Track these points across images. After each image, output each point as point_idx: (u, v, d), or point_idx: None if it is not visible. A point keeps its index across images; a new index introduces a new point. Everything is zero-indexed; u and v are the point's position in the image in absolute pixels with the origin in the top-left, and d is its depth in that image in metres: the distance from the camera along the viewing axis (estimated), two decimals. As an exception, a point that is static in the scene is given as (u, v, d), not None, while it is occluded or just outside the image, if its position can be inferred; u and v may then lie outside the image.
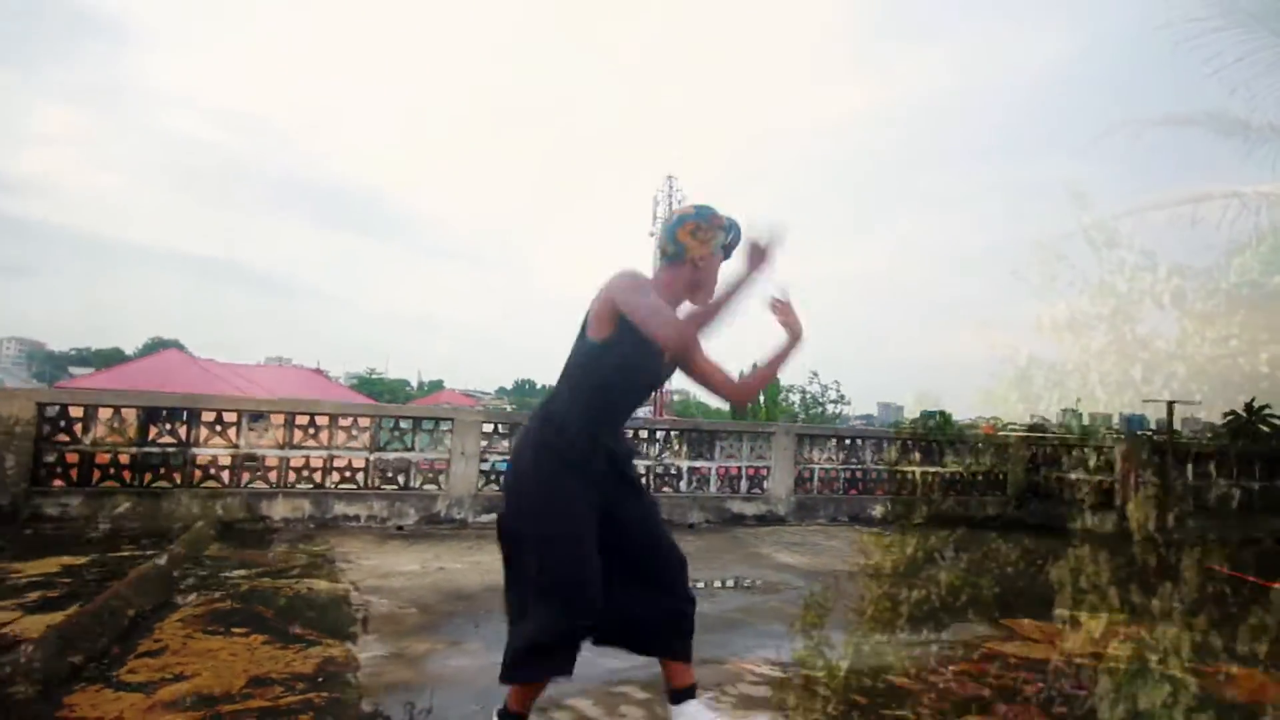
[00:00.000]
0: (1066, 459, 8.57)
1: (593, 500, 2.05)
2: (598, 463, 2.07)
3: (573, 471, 2.02)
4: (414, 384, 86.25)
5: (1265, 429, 12.36)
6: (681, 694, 2.15)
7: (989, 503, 8.75)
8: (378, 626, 3.44)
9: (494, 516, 6.61)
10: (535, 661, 1.98)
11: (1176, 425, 9.52)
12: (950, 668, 3.16)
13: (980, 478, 8.88)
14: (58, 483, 5.57)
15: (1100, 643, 3.66)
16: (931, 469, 8.64)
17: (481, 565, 4.90)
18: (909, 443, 8.62)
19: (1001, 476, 8.98)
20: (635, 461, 7.25)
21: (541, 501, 2.02)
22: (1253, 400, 12.07)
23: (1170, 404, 8.54)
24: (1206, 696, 2.92)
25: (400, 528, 6.31)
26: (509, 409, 26.39)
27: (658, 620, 2.14)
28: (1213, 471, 8.33)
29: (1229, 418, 12.52)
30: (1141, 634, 3.79)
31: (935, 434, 8.88)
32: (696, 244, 2.09)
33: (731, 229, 2.16)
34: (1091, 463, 8.23)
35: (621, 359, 2.04)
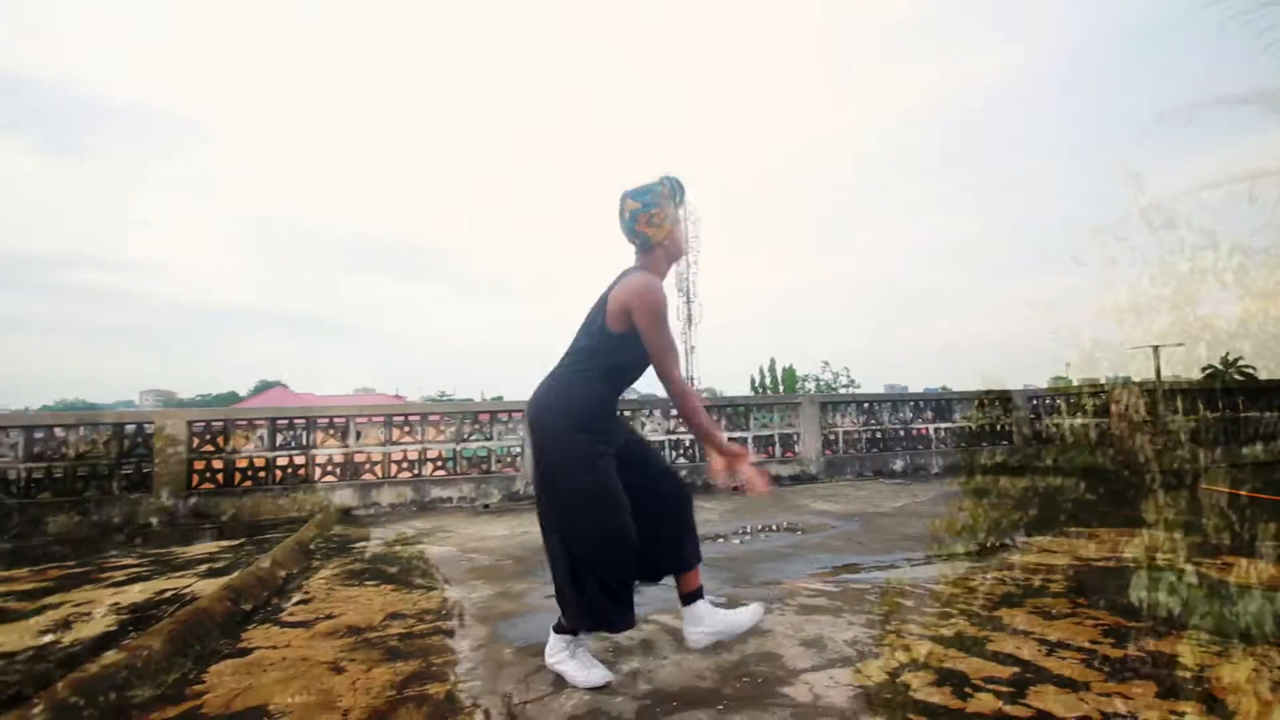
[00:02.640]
0: (1065, 407, 8.33)
1: (613, 467, 2.02)
2: (617, 435, 2.09)
3: (606, 451, 2.00)
4: (478, 400, 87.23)
5: (1239, 377, 11.83)
6: (692, 596, 2.12)
7: (998, 451, 8.55)
8: (483, 574, 3.53)
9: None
10: (608, 608, 1.96)
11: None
12: (979, 575, 3.12)
13: (988, 429, 8.69)
14: (207, 485, 5.84)
15: (1111, 548, 3.58)
16: (944, 425, 8.49)
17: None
18: (921, 403, 8.48)
19: (1006, 428, 8.77)
20: (674, 434, 7.24)
21: (588, 483, 1.94)
22: (1227, 354, 11.58)
23: (1155, 349, 8.24)
24: (1211, 581, 2.84)
25: (486, 506, 6.44)
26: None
27: (669, 541, 2.10)
28: (1199, 405, 8.00)
29: (1206, 370, 12.02)
30: (1147, 539, 3.69)
31: (946, 393, 8.69)
32: (656, 230, 2.03)
33: (675, 190, 2.07)
34: (1089, 407, 7.99)
35: (638, 352, 2.02)
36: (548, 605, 2.91)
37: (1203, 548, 3.47)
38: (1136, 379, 7.61)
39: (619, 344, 2.01)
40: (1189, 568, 3.05)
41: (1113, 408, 7.60)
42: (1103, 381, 7.83)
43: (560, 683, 1.98)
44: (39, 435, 5.60)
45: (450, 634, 2.49)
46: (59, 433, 5.65)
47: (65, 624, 2.64)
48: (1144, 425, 7.35)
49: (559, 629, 2.05)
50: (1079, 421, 8.13)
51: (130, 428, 5.80)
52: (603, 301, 2.05)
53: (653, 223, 2.03)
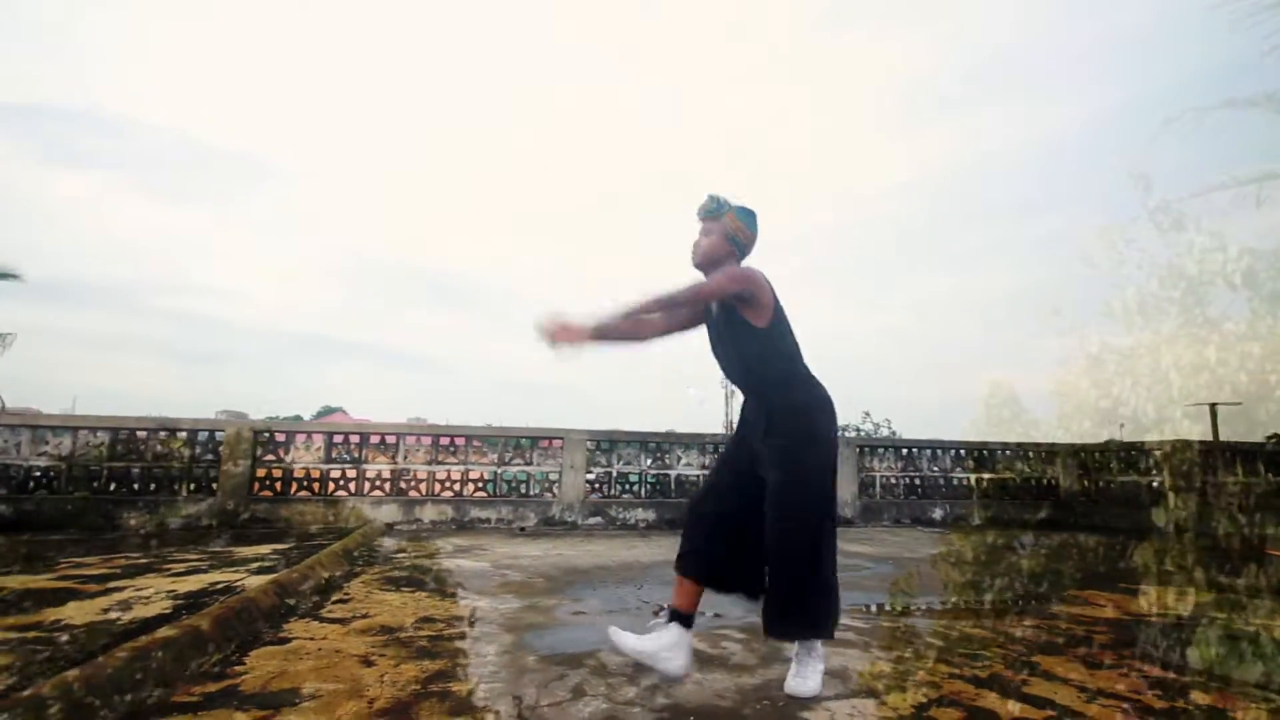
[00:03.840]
0: (1116, 463, 7.85)
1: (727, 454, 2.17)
2: (742, 427, 2.16)
3: (732, 436, 2.20)
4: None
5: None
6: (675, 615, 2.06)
7: (1044, 506, 8.09)
8: (514, 589, 3.53)
9: (599, 519, 6.69)
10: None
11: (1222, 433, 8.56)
12: (1019, 622, 2.94)
13: (1033, 483, 8.25)
14: (265, 493, 6.05)
15: (1164, 605, 3.32)
16: (986, 475, 8.11)
17: (592, 552, 4.94)
18: (962, 451, 8.14)
19: (1053, 482, 8.31)
20: (708, 468, 7.14)
21: None
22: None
23: (1213, 406, 7.72)
24: (1273, 641, 2.59)
25: (523, 529, 6.45)
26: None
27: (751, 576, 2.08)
28: (1261, 469, 7.41)
29: (1271, 438, 11.14)
30: (1200, 598, 3.41)
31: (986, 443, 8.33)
32: (739, 228, 2.13)
33: (712, 212, 2.15)
34: (1141, 465, 7.50)
35: (788, 332, 2.08)
36: (574, 620, 2.88)
37: (1265, 609, 3.18)
38: (1193, 438, 7.13)
39: (773, 331, 2.06)
40: (1248, 626, 2.80)
41: (1167, 466, 7.13)
42: (1157, 439, 7.37)
43: (580, 690, 1.95)
44: (122, 436, 5.94)
45: (477, 639, 2.48)
46: (140, 435, 5.99)
47: (126, 605, 2.75)
48: (1202, 485, 6.85)
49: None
50: (1131, 479, 7.64)
51: (202, 435, 6.10)
52: (729, 313, 2.09)
53: (738, 222, 2.15)
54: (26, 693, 1.52)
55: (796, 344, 2.11)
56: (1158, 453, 7.29)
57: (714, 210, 2.15)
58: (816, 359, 2.16)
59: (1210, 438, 7.80)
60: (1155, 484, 7.33)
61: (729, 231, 2.13)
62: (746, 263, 2.17)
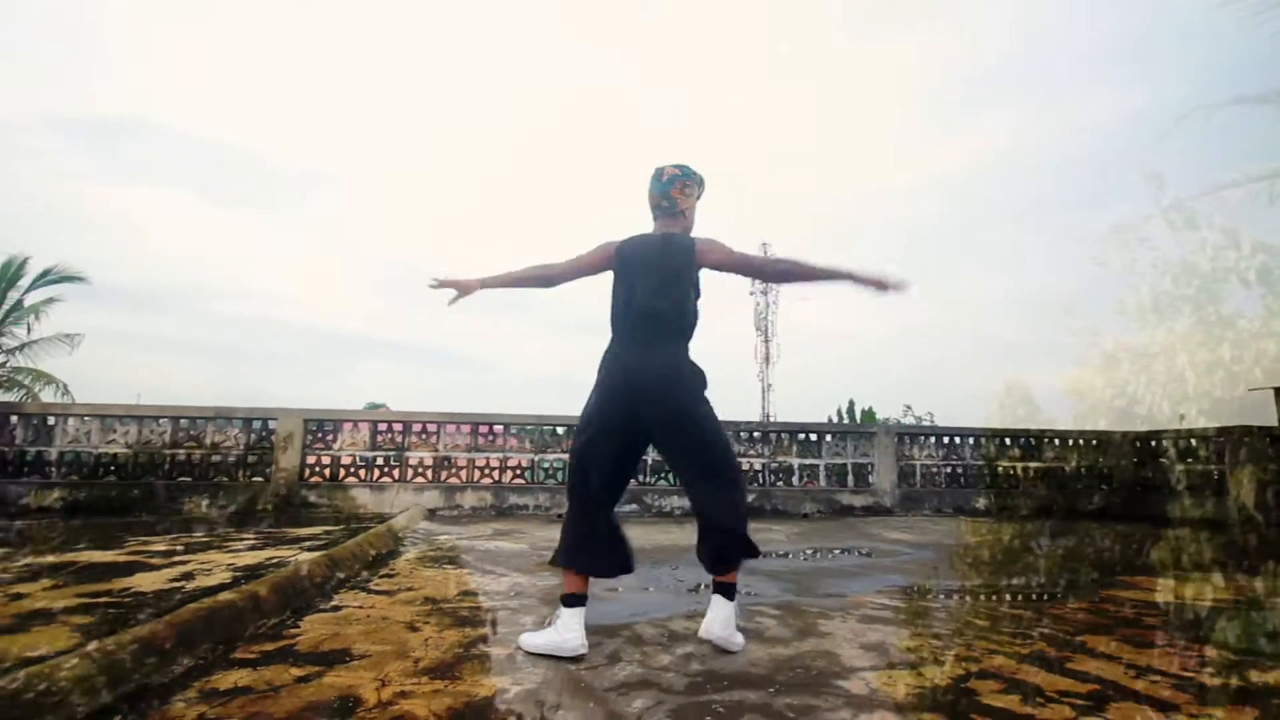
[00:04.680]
0: (1173, 450, 7.49)
1: None
2: None
3: None
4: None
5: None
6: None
7: (1095, 494, 7.79)
8: (551, 568, 3.60)
9: (634, 506, 6.74)
10: None
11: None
12: (1066, 604, 2.85)
13: (1084, 471, 7.95)
14: (315, 479, 6.30)
15: (1220, 591, 3.17)
16: (1033, 464, 7.86)
17: (630, 537, 4.99)
18: (1008, 439, 7.90)
19: (1106, 470, 7.99)
20: (751, 456, 7.10)
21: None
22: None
23: (1278, 390, 7.29)
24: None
25: (560, 515, 6.55)
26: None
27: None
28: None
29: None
30: (1266, 585, 3.25)
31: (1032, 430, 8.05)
32: (685, 199, 2.20)
33: (702, 182, 2.25)
34: (1201, 453, 7.15)
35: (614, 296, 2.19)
36: (609, 596, 2.92)
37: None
38: (1257, 424, 6.75)
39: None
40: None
41: (1228, 453, 6.77)
42: (1217, 426, 7.00)
43: (615, 656, 1.99)
44: (183, 425, 6.27)
45: (516, 610, 2.55)
46: (200, 424, 6.30)
47: (190, 575, 2.92)
48: (1265, 473, 6.49)
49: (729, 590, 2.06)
50: (1189, 467, 7.28)
51: (257, 424, 6.38)
52: (686, 260, 2.12)
53: (685, 192, 2.19)
54: (95, 645, 1.64)
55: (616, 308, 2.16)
56: (1219, 440, 6.93)
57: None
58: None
59: (1276, 424, 7.37)
60: (1215, 473, 6.98)
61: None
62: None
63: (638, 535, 5.08)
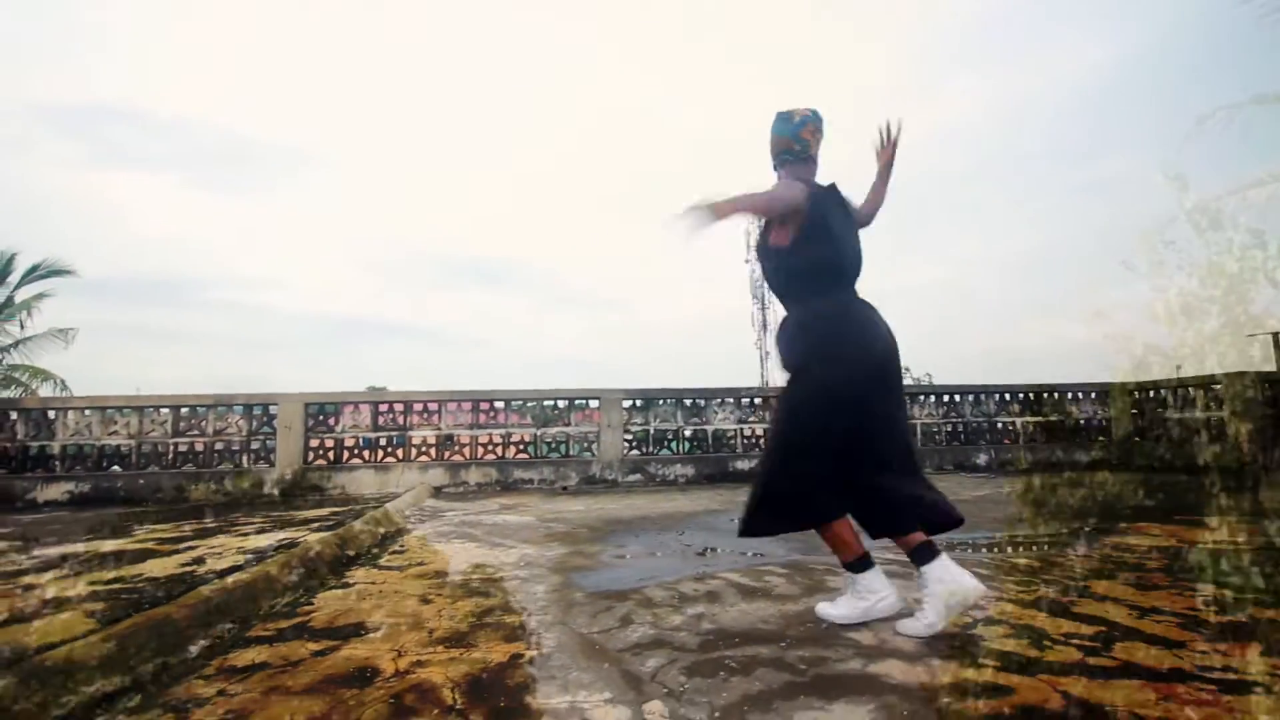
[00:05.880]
0: (1172, 400, 7.53)
1: None
2: None
3: None
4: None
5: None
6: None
7: (1095, 446, 7.86)
8: (559, 538, 3.63)
9: (638, 476, 6.80)
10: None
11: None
12: (1069, 552, 2.89)
13: (1083, 424, 8.01)
14: (319, 461, 6.32)
15: (1223, 534, 3.21)
16: (1033, 419, 7.91)
17: (633, 506, 5.03)
18: (1007, 395, 7.94)
19: (1104, 422, 8.05)
20: (744, 423, 7.02)
21: None
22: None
23: (1275, 335, 7.30)
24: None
25: (565, 487, 6.60)
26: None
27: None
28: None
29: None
30: (1270, 527, 3.29)
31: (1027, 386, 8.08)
32: (815, 143, 2.06)
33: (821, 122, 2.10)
34: (1199, 400, 7.19)
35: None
36: (618, 563, 2.95)
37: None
38: (1253, 369, 6.77)
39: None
40: (1316, 551, 2.70)
41: (1227, 399, 6.81)
42: (1216, 373, 7.03)
43: (627, 619, 2.01)
44: (183, 413, 6.26)
45: (527, 580, 2.58)
46: (200, 411, 6.30)
47: (201, 560, 2.94)
48: (1264, 417, 6.54)
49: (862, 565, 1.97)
50: (1187, 415, 7.34)
51: (257, 409, 6.38)
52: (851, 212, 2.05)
53: (816, 135, 2.05)
54: (115, 627, 1.65)
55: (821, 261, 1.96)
56: (1217, 386, 6.97)
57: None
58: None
59: (1275, 368, 7.40)
60: (1214, 419, 7.03)
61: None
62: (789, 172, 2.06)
63: (642, 504, 5.14)
